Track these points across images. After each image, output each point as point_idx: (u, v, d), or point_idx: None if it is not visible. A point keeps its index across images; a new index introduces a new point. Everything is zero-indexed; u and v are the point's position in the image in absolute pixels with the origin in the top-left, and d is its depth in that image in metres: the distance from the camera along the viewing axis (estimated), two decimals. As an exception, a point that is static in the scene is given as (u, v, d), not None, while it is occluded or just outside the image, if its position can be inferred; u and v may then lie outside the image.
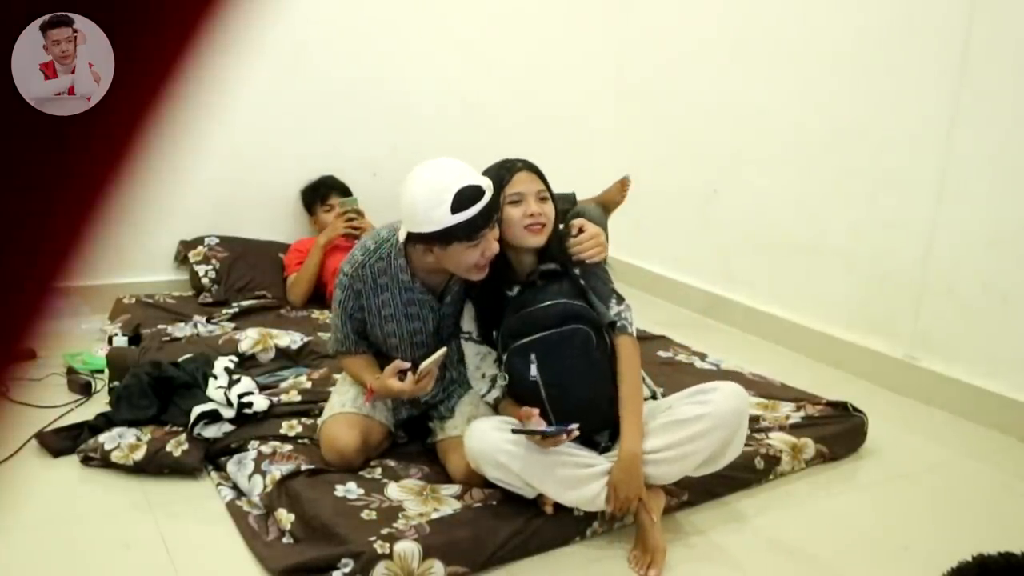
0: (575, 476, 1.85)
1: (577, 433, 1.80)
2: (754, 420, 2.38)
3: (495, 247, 1.90)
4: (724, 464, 1.94)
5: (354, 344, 2.13)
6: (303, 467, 2.00)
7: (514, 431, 1.82)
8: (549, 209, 1.96)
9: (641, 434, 1.87)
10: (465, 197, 1.81)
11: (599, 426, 1.95)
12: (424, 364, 1.92)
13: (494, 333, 2.00)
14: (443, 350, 1.96)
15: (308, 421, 2.26)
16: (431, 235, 1.86)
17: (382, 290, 2.05)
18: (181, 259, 3.46)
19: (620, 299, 2.00)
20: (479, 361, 2.04)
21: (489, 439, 1.85)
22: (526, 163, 2.00)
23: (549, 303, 1.92)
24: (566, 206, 1.99)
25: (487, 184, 1.87)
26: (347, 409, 2.11)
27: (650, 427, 1.90)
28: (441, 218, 1.82)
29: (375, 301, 2.07)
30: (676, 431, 1.86)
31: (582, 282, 1.99)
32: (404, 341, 2.11)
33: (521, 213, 1.93)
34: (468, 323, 2.06)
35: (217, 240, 3.46)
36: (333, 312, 2.14)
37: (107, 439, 2.16)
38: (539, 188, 1.96)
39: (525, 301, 1.95)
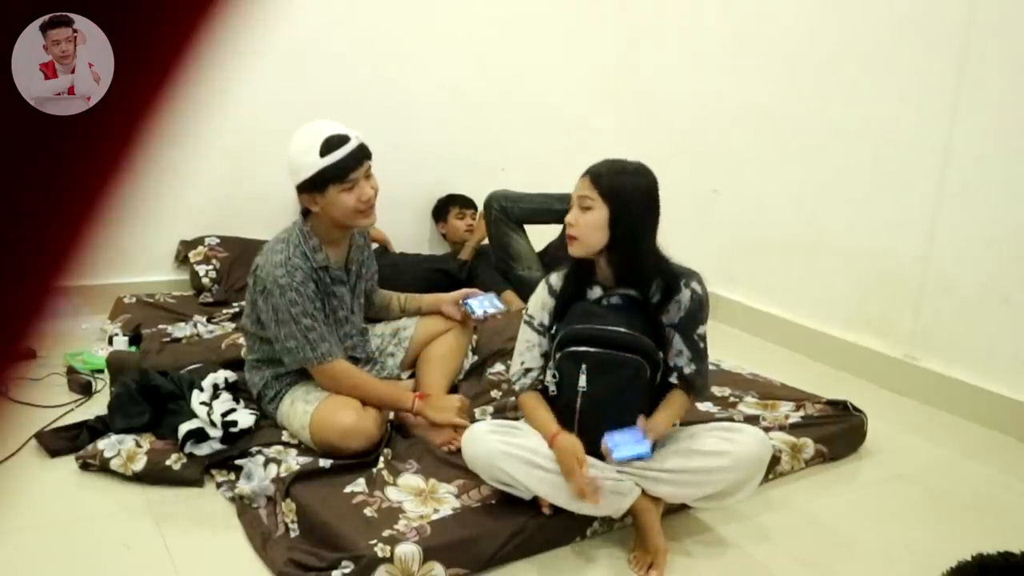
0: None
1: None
2: (754, 420, 2.38)
3: (369, 192, 2.14)
4: (729, 503, 1.94)
5: (336, 345, 2.18)
6: (308, 466, 2.01)
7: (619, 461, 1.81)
8: (583, 220, 1.86)
9: (664, 428, 1.88)
10: (331, 143, 2.09)
11: None
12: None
13: (555, 326, 1.96)
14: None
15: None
16: (309, 181, 2.11)
17: (307, 280, 2.12)
18: (181, 259, 3.46)
19: (702, 359, 1.93)
20: (525, 348, 1.99)
21: (485, 443, 1.85)
22: (593, 167, 1.89)
23: (618, 329, 1.86)
24: (566, 206, 1.96)
25: (355, 135, 2.13)
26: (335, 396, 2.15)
27: (668, 448, 1.91)
28: (313, 163, 2.09)
29: (307, 292, 2.12)
30: (694, 459, 1.87)
31: (675, 322, 1.91)
32: (331, 326, 2.21)
33: (570, 219, 1.89)
34: (536, 308, 2.00)
35: (217, 240, 3.46)
36: (290, 325, 2.09)
37: (106, 446, 2.12)
38: (582, 194, 1.87)
39: (595, 312, 1.91)
